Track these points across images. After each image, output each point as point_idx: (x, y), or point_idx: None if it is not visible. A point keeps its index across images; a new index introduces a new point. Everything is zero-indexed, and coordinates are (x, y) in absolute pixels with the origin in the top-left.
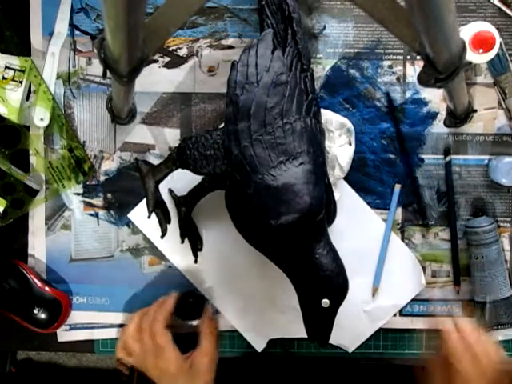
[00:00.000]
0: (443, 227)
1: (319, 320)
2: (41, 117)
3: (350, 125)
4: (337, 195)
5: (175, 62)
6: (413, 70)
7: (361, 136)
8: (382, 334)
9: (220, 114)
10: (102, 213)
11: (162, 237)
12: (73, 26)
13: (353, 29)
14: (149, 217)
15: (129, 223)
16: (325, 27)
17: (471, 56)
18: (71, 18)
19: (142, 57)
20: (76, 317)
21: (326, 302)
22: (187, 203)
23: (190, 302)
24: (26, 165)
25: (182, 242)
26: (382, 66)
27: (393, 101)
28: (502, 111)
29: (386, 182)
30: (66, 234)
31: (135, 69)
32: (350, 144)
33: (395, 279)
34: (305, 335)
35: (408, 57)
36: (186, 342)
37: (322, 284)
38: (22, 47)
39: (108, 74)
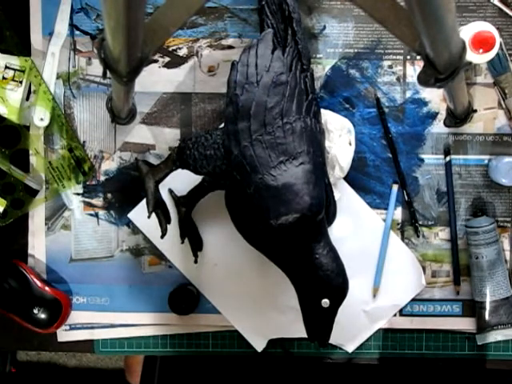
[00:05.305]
0: (443, 227)
1: (319, 320)
2: (41, 117)
3: (349, 125)
4: (337, 195)
5: (175, 61)
6: (413, 70)
7: (361, 136)
8: (382, 334)
9: (220, 114)
10: (102, 213)
11: (162, 237)
12: (73, 26)
13: (353, 29)
14: (149, 217)
15: (129, 223)
16: (325, 27)
17: (471, 56)
18: (71, 18)
19: (142, 57)
20: (76, 317)
21: (325, 302)
22: (187, 203)
23: (182, 297)
24: (26, 165)
25: (182, 242)
26: (381, 66)
27: (392, 101)
28: (502, 111)
29: (385, 181)
30: (65, 234)
31: (135, 69)
32: (350, 144)
33: (395, 279)
34: (305, 335)
35: (408, 57)
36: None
37: (321, 284)
38: (22, 47)
39: (108, 74)
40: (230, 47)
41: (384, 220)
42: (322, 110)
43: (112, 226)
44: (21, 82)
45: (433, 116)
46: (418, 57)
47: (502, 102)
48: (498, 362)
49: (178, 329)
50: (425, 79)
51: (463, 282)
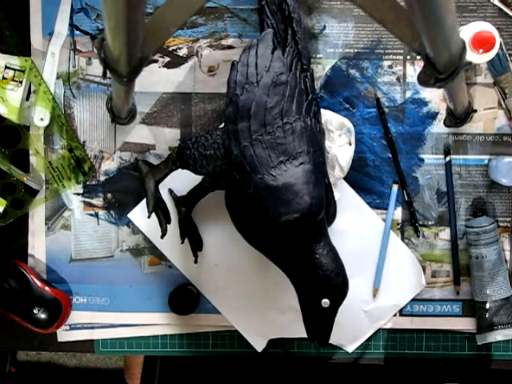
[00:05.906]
0: (443, 227)
1: (319, 320)
2: (41, 117)
3: (349, 125)
4: (337, 195)
5: (175, 61)
6: (413, 70)
7: (361, 136)
8: (382, 334)
9: (220, 114)
10: (101, 213)
11: (162, 237)
12: (73, 26)
13: (353, 29)
14: (149, 217)
15: (129, 223)
16: (325, 27)
17: (471, 56)
18: (71, 18)
19: (142, 57)
20: (76, 317)
21: (325, 302)
22: (187, 203)
23: (182, 297)
24: (26, 165)
25: (182, 242)
26: (381, 66)
27: (392, 101)
28: (502, 111)
29: (385, 181)
30: (65, 234)
31: (135, 69)
32: (350, 144)
33: (395, 279)
34: (305, 335)
35: (408, 57)
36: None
37: (321, 284)
38: (22, 47)
39: (108, 74)
40: (230, 47)
41: (384, 220)
42: (322, 110)
43: (112, 226)
44: (21, 82)
45: (433, 116)
46: (418, 57)
47: (502, 102)
48: (498, 362)
49: (178, 329)
50: (425, 79)
51: (463, 282)
